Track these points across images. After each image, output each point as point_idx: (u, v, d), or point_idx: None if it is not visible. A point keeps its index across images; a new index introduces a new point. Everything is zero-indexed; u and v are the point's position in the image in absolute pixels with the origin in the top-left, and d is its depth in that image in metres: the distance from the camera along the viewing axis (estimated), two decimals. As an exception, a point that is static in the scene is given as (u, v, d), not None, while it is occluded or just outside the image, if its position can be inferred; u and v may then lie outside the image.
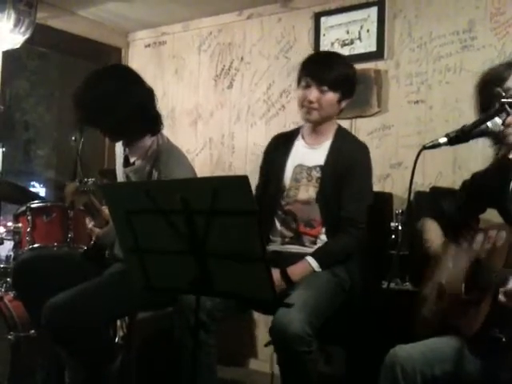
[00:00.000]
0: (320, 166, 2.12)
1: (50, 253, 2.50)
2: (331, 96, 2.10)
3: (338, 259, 2.08)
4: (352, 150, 2.14)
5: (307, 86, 2.12)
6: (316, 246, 2.11)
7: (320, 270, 2.02)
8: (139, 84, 2.20)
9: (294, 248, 2.14)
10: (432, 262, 1.79)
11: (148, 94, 2.21)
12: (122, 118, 2.10)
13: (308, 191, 2.12)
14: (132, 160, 2.24)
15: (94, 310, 2.00)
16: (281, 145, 2.26)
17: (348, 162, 2.10)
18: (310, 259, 2.03)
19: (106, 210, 2.13)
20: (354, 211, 2.08)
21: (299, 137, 2.24)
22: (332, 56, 2.27)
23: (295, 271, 2.01)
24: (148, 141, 2.19)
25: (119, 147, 2.33)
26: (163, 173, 2.09)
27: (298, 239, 2.14)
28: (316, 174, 2.11)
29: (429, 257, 1.80)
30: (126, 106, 2.09)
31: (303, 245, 2.13)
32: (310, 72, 2.13)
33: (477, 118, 1.60)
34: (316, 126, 2.18)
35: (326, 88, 2.09)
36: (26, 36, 2.93)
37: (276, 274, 1.93)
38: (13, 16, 2.88)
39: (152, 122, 2.21)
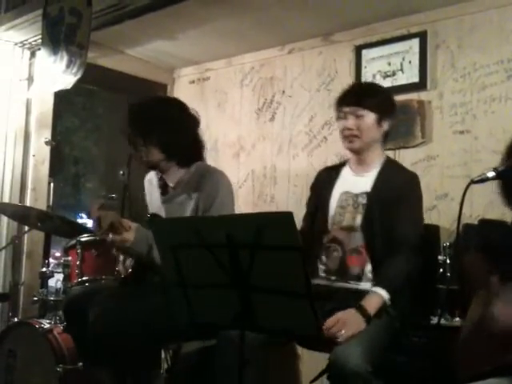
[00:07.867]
0: (366, 193, 2.08)
1: (99, 287, 2.54)
2: (368, 118, 2.08)
3: (401, 284, 1.96)
4: (401, 178, 2.10)
5: (344, 117, 2.12)
6: (362, 283, 2.05)
7: (389, 301, 1.90)
8: (192, 113, 2.30)
9: (339, 285, 2.09)
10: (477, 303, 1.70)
11: (198, 123, 2.29)
12: (184, 141, 2.18)
13: (354, 218, 2.08)
14: (171, 185, 2.26)
15: (140, 326, 2.00)
16: (327, 176, 2.25)
17: (397, 190, 2.05)
18: (379, 290, 1.90)
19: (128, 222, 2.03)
20: (409, 233, 1.98)
21: (346, 167, 2.23)
22: (361, 84, 2.34)
23: (371, 304, 1.87)
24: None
25: (150, 180, 2.37)
26: (207, 193, 2.11)
27: (342, 273, 2.09)
28: (362, 200, 2.07)
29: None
30: (188, 130, 2.20)
31: (347, 282, 2.07)
32: (343, 102, 2.14)
33: None
34: (361, 155, 2.16)
35: (360, 111, 2.08)
36: (78, 76, 2.99)
37: (351, 313, 1.84)
38: (65, 58, 2.99)
39: (199, 149, 2.28)
